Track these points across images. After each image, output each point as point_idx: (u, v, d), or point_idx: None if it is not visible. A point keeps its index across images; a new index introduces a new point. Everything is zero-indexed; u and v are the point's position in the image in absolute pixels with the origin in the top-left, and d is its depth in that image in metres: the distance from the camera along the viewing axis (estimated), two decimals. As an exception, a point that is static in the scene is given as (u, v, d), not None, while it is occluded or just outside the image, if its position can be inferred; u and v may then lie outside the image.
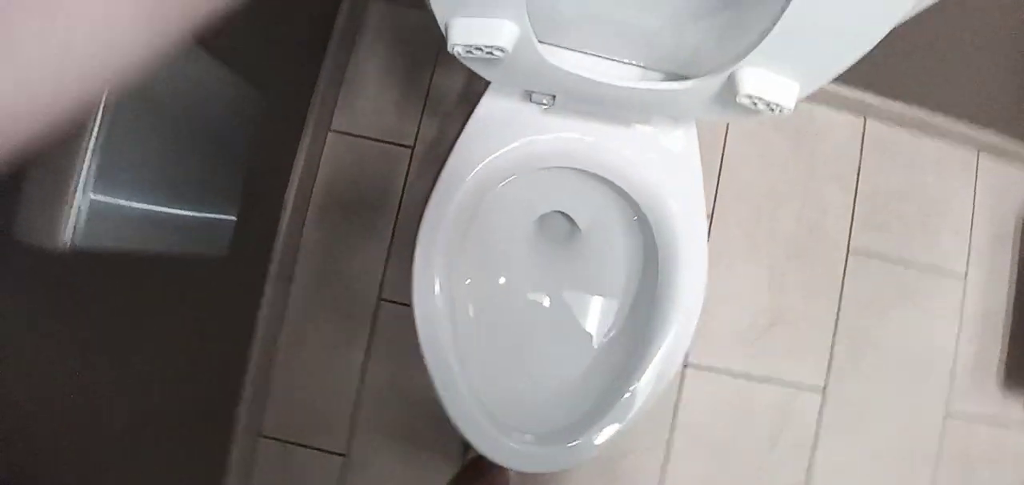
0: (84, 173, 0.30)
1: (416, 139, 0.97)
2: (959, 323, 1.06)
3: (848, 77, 0.96)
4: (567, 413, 0.63)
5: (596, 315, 0.71)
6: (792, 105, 0.44)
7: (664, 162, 0.62)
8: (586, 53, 0.53)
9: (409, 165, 0.96)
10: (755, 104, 0.44)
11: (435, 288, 0.58)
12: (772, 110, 0.45)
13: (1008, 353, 1.06)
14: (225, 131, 0.53)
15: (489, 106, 0.61)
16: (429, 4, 0.42)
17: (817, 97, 1.04)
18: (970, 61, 0.91)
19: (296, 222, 0.91)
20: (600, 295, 0.72)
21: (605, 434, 0.58)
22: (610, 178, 0.63)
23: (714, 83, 0.46)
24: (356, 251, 0.95)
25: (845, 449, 1.02)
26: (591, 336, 0.71)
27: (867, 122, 1.07)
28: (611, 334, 0.70)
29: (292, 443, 0.91)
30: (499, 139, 0.61)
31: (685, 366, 1.00)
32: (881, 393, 1.03)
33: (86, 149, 0.30)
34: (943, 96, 1.01)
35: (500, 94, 0.61)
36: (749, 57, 0.42)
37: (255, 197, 0.76)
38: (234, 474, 0.84)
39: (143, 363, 0.59)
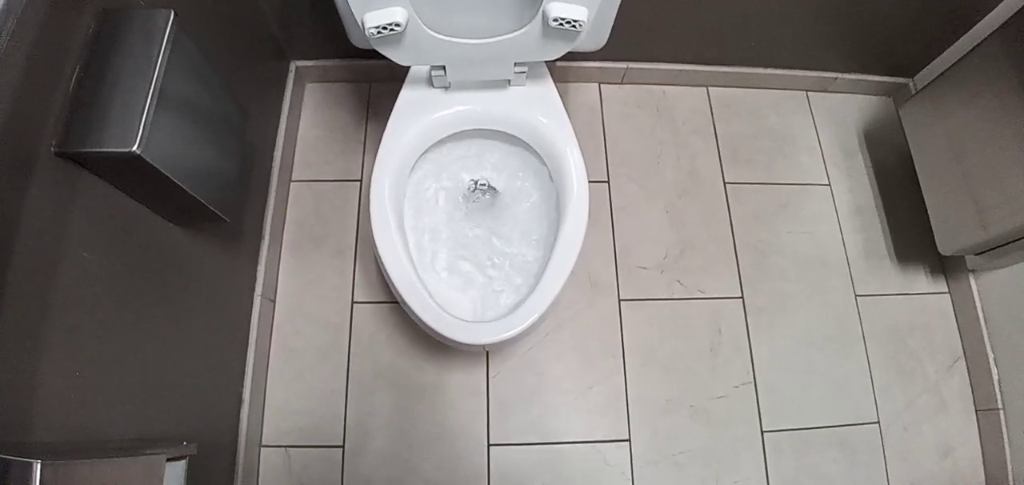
0: (149, 100, 0.50)
1: (362, 173, 1.20)
2: (837, 221, 1.30)
3: (690, 55, 1.26)
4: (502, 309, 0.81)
5: (517, 243, 0.91)
6: (585, 17, 0.71)
7: (535, 105, 0.87)
8: (459, 38, 0.78)
9: (360, 193, 1.18)
10: (561, 25, 0.71)
11: (389, 215, 0.77)
12: (574, 26, 0.71)
13: (892, 236, 1.30)
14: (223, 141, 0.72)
15: (406, 95, 0.86)
16: (347, 8, 0.67)
17: (665, 80, 1.37)
18: (785, 22, 1.18)
19: (274, 252, 1.08)
20: (518, 230, 0.92)
21: (531, 316, 0.74)
22: (501, 127, 0.87)
23: (536, 23, 0.73)
24: (328, 268, 1.13)
25: (777, 341, 1.18)
26: (513, 258, 0.90)
27: (710, 89, 1.39)
28: (527, 252, 0.90)
29: (292, 446, 1.00)
30: (416, 114, 0.84)
31: (621, 301, 1.18)
32: (791, 290, 1.23)
33: (151, 85, 0.50)
34: (768, 54, 1.29)
35: (412, 87, 0.86)
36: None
37: (239, 229, 0.94)
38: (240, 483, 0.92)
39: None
